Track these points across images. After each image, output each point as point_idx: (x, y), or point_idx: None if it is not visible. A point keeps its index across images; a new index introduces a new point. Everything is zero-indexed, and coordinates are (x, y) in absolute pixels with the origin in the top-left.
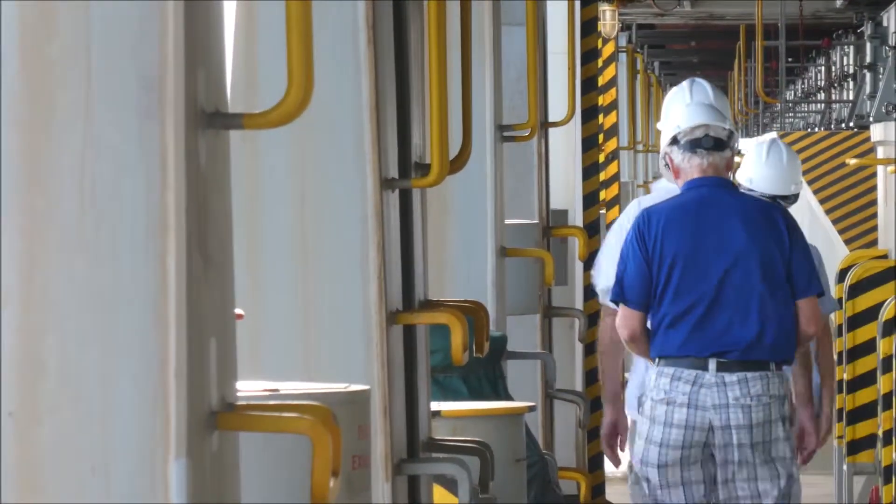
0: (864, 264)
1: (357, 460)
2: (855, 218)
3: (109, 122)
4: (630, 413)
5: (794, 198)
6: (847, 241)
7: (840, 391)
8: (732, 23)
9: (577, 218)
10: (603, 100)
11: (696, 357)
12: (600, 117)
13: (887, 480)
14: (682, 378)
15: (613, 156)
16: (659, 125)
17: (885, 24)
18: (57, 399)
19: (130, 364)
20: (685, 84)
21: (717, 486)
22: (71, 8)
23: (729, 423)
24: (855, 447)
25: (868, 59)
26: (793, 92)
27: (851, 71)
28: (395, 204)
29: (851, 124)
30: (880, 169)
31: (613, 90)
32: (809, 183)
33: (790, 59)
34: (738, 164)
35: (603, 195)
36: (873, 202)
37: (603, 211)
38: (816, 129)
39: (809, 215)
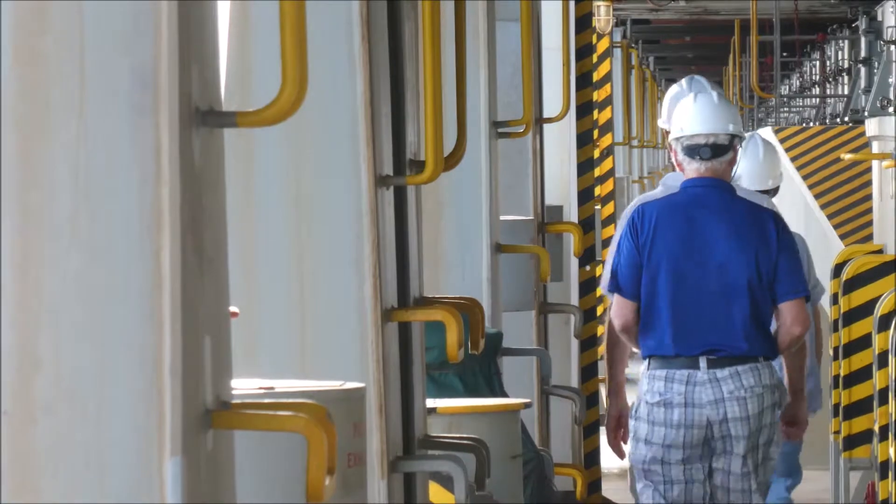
0: (859, 259)
1: (352, 458)
2: (850, 213)
3: (103, 118)
4: None
5: (773, 192)
6: (842, 237)
7: (836, 386)
8: (727, 18)
9: (572, 214)
10: (598, 95)
11: (687, 356)
12: (595, 113)
13: (883, 476)
14: (675, 379)
15: (608, 151)
16: (661, 122)
17: (879, 18)
18: (51, 397)
19: (125, 362)
20: (684, 83)
21: (712, 475)
22: (64, 4)
23: (726, 417)
24: (851, 442)
25: (863, 53)
26: (788, 87)
27: (846, 65)
28: (390, 201)
29: (846, 119)
30: (875, 164)
31: (608, 86)
32: (804, 178)
33: (785, 54)
34: None
35: (598, 191)
36: (868, 197)
37: (598, 207)
38: (811, 124)
39: (804, 210)
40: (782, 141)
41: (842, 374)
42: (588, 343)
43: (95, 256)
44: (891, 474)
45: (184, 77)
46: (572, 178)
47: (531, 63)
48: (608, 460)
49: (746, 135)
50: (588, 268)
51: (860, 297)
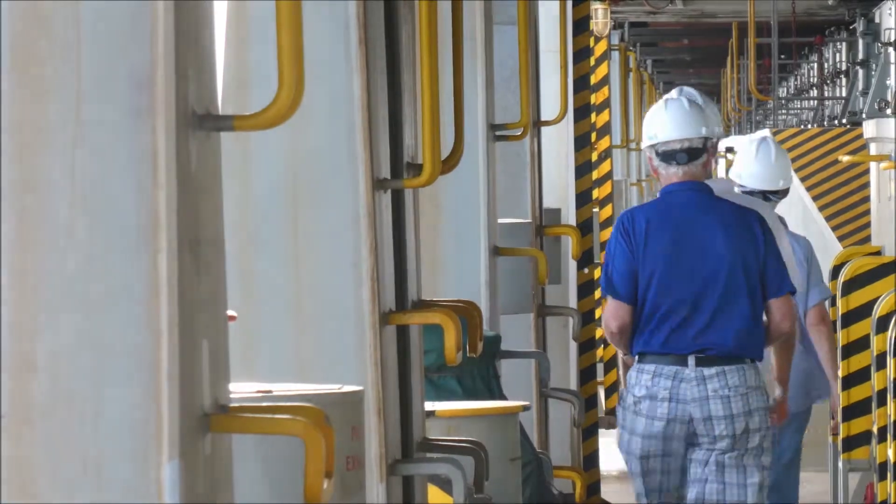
0: (857, 261)
1: (351, 461)
2: (848, 214)
3: (100, 121)
4: None
5: (783, 192)
6: (840, 238)
7: None
8: (725, 20)
9: (570, 216)
10: (595, 98)
11: (677, 355)
12: (593, 116)
13: (882, 477)
14: (662, 374)
15: (606, 154)
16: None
17: (877, 20)
18: (49, 401)
19: (122, 365)
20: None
21: (692, 475)
22: (61, 7)
23: (710, 415)
24: (850, 444)
25: (860, 55)
26: (785, 89)
27: (844, 67)
28: (388, 204)
29: (844, 121)
30: (873, 165)
31: (606, 88)
32: (803, 180)
33: (783, 56)
34: (731, 162)
35: (596, 194)
36: (866, 199)
37: (596, 209)
38: (809, 126)
39: (803, 212)
40: (781, 143)
41: (840, 375)
42: (586, 346)
43: (93, 259)
44: (889, 475)
45: (181, 80)
46: (570, 180)
47: (528, 66)
48: (607, 463)
49: (756, 137)
50: (586, 270)
51: (858, 298)
